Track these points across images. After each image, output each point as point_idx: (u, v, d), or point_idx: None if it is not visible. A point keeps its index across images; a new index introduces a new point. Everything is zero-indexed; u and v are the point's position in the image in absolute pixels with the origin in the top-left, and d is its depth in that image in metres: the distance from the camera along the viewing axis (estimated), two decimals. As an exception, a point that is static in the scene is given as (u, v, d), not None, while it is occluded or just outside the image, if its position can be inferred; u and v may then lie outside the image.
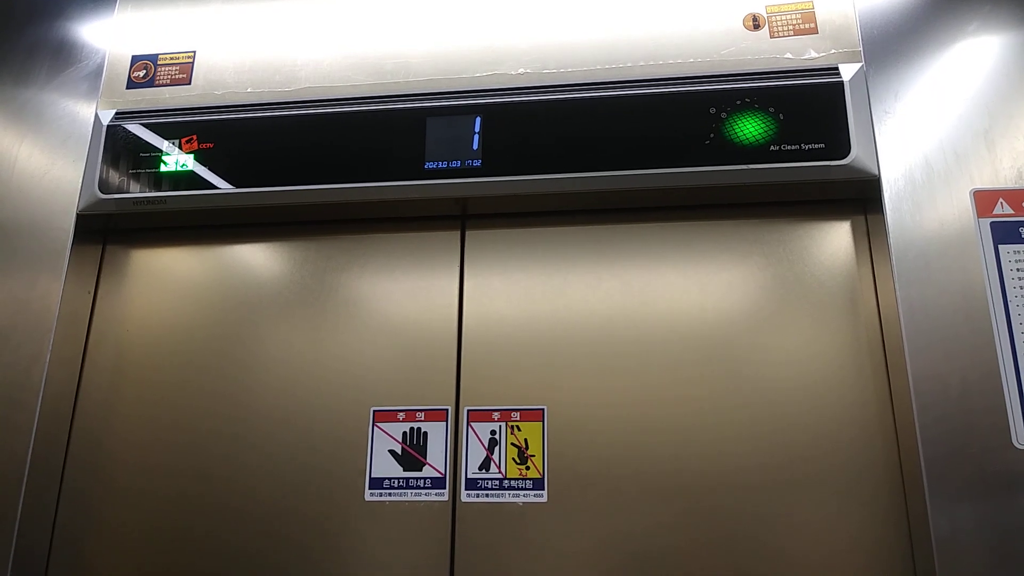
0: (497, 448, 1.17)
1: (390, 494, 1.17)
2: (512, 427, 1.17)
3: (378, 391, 1.23)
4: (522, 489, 1.15)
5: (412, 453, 1.18)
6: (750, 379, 1.16)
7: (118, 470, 1.25)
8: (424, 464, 1.18)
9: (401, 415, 1.20)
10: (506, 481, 1.15)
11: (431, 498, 1.16)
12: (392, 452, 1.19)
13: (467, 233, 1.31)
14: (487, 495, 1.15)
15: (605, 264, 1.25)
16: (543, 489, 1.15)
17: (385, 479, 1.17)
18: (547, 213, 1.29)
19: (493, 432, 1.18)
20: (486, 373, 1.21)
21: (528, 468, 1.15)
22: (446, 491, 1.16)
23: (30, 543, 1.19)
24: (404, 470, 1.18)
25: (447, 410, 1.20)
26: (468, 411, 1.20)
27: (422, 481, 1.17)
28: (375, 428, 1.20)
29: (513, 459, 1.16)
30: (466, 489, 1.16)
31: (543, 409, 1.18)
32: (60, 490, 1.25)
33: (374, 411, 1.22)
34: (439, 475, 1.17)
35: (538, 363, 1.21)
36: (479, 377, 1.21)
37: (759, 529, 1.10)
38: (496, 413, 1.18)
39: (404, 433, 1.19)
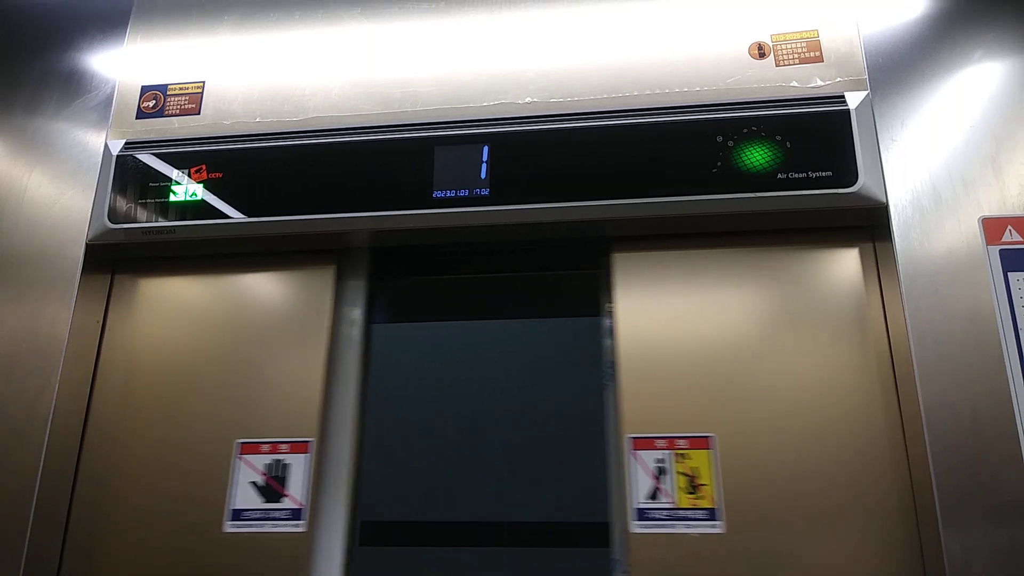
0: (666, 477, 1.13)
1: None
2: (679, 455, 1.14)
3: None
4: (695, 520, 1.11)
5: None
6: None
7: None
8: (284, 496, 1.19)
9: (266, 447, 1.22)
10: (678, 511, 1.12)
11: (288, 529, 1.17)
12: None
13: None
14: (659, 525, 1.11)
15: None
16: (716, 520, 1.11)
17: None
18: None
19: (660, 460, 1.14)
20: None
21: (700, 498, 1.12)
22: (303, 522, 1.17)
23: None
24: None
25: (310, 442, 1.21)
26: (631, 439, 1.16)
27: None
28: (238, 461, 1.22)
29: (683, 489, 1.12)
30: (637, 520, 1.12)
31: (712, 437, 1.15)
32: (68, 515, 1.24)
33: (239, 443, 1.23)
34: (298, 507, 1.18)
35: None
36: (641, 404, 1.18)
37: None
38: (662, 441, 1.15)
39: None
